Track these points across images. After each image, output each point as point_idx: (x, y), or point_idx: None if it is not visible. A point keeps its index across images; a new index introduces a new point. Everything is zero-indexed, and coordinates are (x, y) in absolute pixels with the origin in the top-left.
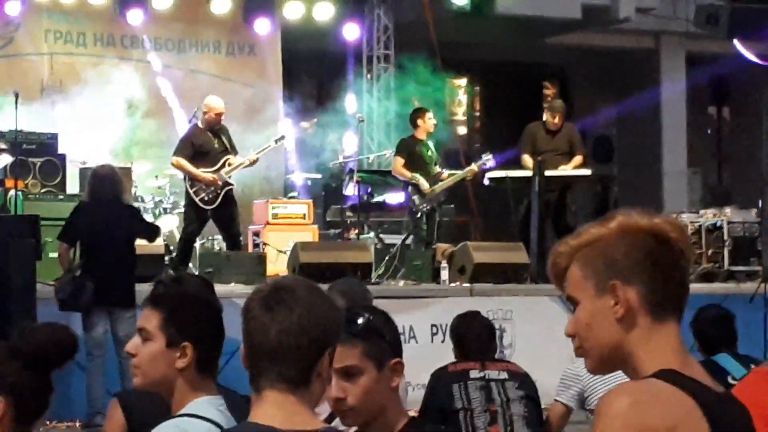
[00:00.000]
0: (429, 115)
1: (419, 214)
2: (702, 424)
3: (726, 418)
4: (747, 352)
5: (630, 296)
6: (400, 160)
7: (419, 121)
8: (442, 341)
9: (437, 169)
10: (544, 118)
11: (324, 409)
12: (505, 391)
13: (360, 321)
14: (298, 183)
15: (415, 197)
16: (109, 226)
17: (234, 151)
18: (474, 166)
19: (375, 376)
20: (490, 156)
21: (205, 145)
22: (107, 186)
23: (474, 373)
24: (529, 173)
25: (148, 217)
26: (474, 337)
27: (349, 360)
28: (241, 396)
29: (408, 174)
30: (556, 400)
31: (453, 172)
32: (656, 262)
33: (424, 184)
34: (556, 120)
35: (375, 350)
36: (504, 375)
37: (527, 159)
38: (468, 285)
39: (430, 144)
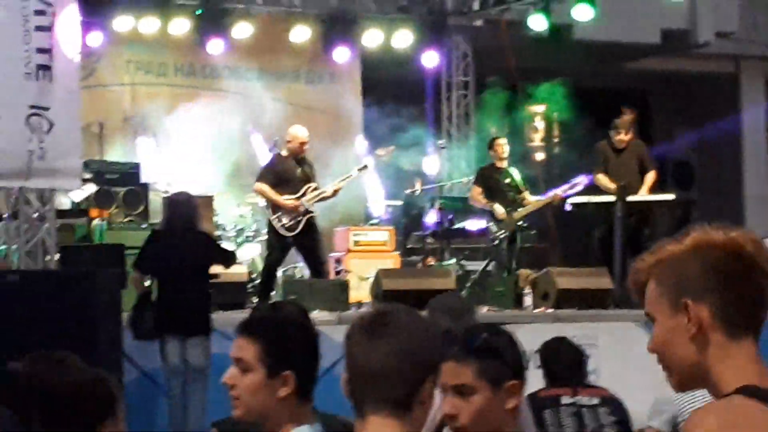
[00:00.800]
0: (499, 141)
1: (497, 241)
2: None
3: None
4: None
5: (702, 314)
6: (477, 189)
7: (491, 151)
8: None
9: (523, 195)
10: (611, 137)
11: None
12: (598, 417)
13: (477, 339)
14: (379, 210)
15: (491, 224)
16: (182, 253)
17: (316, 182)
18: (559, 191)
19: (489, 397)
20: (581, 178)
21: (288, 172)
22: (182, 213)
23: (565, 399)
24: (611, 198)
25: (230, 246)
26: (562, 363)
27: (462, 378)
28: (341, 423)
29: (483, 201)
30: (649, 426)
31: (538, 198)
32: (729, 278)
33: (498, 210)
34: (622, 136)
35: (491, 370)
36: (596, 401)
37: (601, 178)
38: (552, 311)
39: (512, 171)
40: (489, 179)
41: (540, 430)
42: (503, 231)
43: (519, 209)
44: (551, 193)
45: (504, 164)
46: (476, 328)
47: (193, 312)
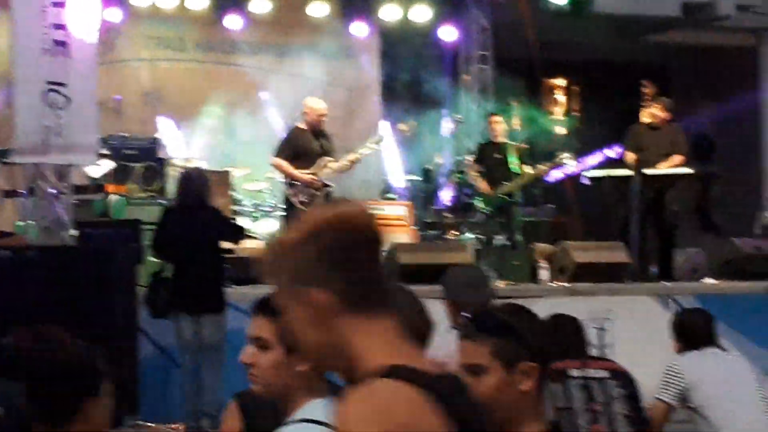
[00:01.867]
0: (494, 118)
1: (484, 219)
2: (438, 417)
3: (459, 404)
4: None
5: (327, 299)
6: (475, 166)
7: (488, 126)
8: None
9: (517, 169)
10: (643, 118)
11: None
12: (607, 390)
13: (492, 318)
14: (397, 185)
15: (478, 200)
16: (194, 230)
17: (334, 156)
18: (545, 165)
19: (502, 377)
20: (566, 155)
21: (305, 146)
22: (193, 189)
23: (574, 372)
24: (628, 172)
25: (246, 221)
26: (566, 335)
27: (476, 358)
28: None
29: (472, 177)
30: (657, 398)
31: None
32: (346, 257)
33: (480, 185)
34: (660, 113)
35: (505, 350)
36: (605, 373)
37: (629, 156)
38: (568, 285)
39: (509, 147)
40: (482, 155)
41: (548, 403)
42: (488, 207)
43: (506, 184)
44: (537, 168)
45: (500, 140)
46: (494, 307)
47: (206, 289)
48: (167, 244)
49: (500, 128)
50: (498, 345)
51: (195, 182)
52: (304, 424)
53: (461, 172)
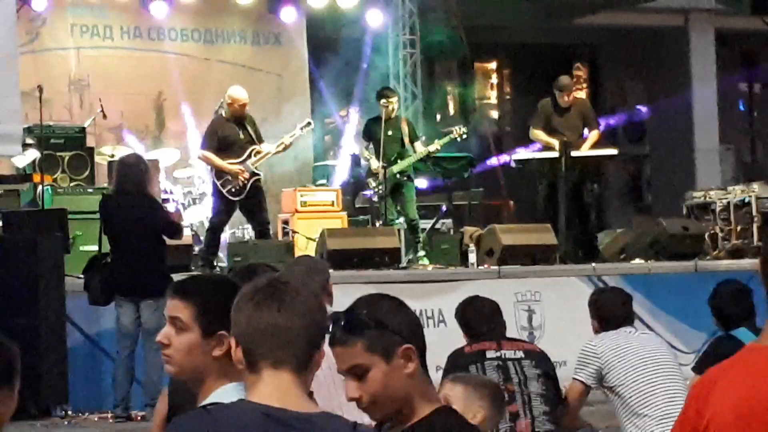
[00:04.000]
0: (391, 99)
1: (375, 197)
2: None
3: None
4: None
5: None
6: (364, 142)
7: (379, 103)
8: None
9: (408, 147)
10: (557, 97)
11: None
12: (522, 370)
13: (354, 317)
14: (327, 171)
15: (370, 179)
16: (134, 216)
17: (260, 140)
18: (436, 144)
19: (385, 368)
20: (459, 129)
21: (231, 136)
22: (132, 176)
23: (490, 353)
24: (555, 154)
25: (175, 208)
26: (482, 317)
27: (353, 359)
28: None
29: (364, 154)
30: (574, 378)
31: (420, 151)
32: None
33: (372, 164)
34: (565, 98)
35: (377, 342)
36: (520, 354)
37: (537, 133)
38: (496, 267)
39: (400, 123)
40: (370, 132)
41: None
42: (379, 185)
43: (398, 162)
44: (429, 147)
45: (385, 117)
46: (355, 305)
47: (146, 274)
48: (106, 228)
49: (392, 106)
50: (370, 339)
51: (133, 168)
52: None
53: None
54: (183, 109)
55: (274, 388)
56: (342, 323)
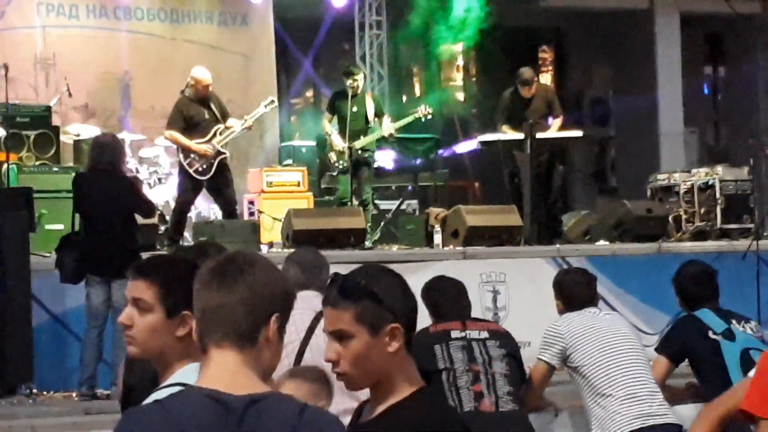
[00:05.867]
0: (356, 76)
1: (336, 173)
2: None
3: None
4: (739, 309)
5: None
6: (327, 116)
7: (349, 80)
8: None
9: (374, 123)
10: (518, 89)
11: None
12: (487, 350)
13: (353, 284)
14: (294, 151)
15: (331, 154)
16: (107, 195)
17: (225, 118)
18: (398, 123)
19: (368, 341)
20: (422, 107)
21: (196, 116)
22: (106, 155)
23: (455, 333)
24: (520, 136)
25: (143, 188)
26: (447, 298)
27: (340, 323)
28: None
29: (325, 130)
30: (538, 358)
31: (382, 129)
32: None
33: (334, 140)
34: (528, 91)
35: (368, 314)
36: (485, 334)
37: (506, 129)
38: (461, 248)
39: (367, 98)
40: (334, 106)
41: (431, 364)
42: (342, 162)
43: (361, 138)
44: (392, 124)
45: (357, 93)
46: (357, 271)
47: (118, 254)
48: (79, 206)
49: (357, 83)
50: (361, 309)
51: (107, 148)
52: (177, 387)
53: None
54: (149, 89)
55: (220, 369)
56: (338, 286)
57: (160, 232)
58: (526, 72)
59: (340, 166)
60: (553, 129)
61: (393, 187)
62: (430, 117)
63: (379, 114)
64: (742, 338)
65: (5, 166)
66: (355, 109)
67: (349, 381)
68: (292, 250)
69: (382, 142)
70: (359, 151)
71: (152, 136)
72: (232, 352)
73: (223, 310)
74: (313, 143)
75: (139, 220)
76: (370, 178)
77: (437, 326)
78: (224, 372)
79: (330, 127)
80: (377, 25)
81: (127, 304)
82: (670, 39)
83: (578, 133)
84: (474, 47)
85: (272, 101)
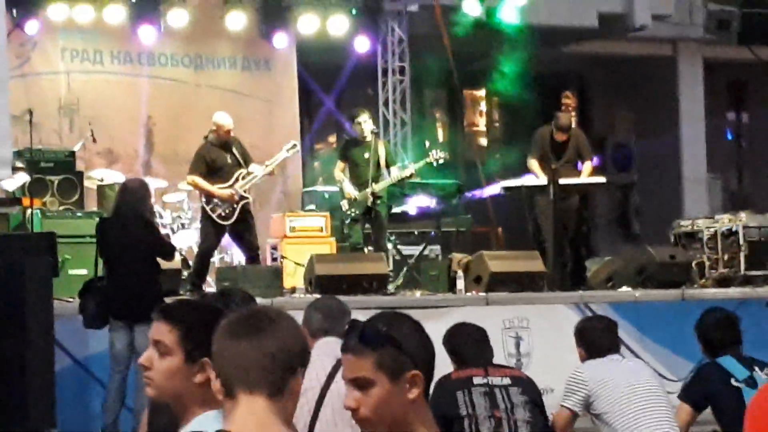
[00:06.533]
0: (359, 119)
1: (348, 220)
2: None
3: None
4: (763, 356)
5: None
6: (339, 164)
7: (354, 126)
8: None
9: (384, 171)
10: (554, 130)
11: None
12: (509, 397)
13: (373, 331)
14: (316, 196)
15: (343, 202)
16: (130, 240)
17: (248, 163)
18: (415, 165)
19: (389, 388)
20: (438, 153)
21: (218, 160)
22: (130, 200)
23: (478, 380)
24: (543, 182)
25: (166, 232)
26: (470, 344)
27: (360, 371)
28: None
29: (337, 178)
30: (561, 405)
31: (398, 174)
32: None
33: (346, 188)
34: (562, 136)
35: (389, 361)
36: (507, 381)
37: (533, 164)
38: (484, 294)
39: (377, 145)
40: (346, 154)
41: (453, 410)
42: (354, 209)
43: (373, 185)
44: (404, 172)
45: (366, 138)
46: (376, 318)
47: (140, 298)
48: (102, 251)
49: (367, 127)
50: (381, 356)
51: (132, 193)
52: None
53: None
54: (172, 134)
55: (249, 415)
56: (358, 333)
57: (183, 277)
58: (563, 117)
59: (352, 215)
60: (585, 174)
61: (416, 233)
62: (442, 161)
63: (390, 163)
64: None
65: (29, 211)
66: (365, 155)
67: (369, 427)
68: (314, 295)
69: (399, 187)
70: (372, 198)
71: (175, 181)
72: (262, 400)
73: (254, 359)
74: (336, 188)
75: (162, 264)
76: (384, 226)
77: (459, 372)
78: (252, 417)
79: (341, 174)
80: (400, 70)
81: (149, 346)
82: (693, 85)
83: (602, 179)
84: (497, 93)
85: (294, 146)
